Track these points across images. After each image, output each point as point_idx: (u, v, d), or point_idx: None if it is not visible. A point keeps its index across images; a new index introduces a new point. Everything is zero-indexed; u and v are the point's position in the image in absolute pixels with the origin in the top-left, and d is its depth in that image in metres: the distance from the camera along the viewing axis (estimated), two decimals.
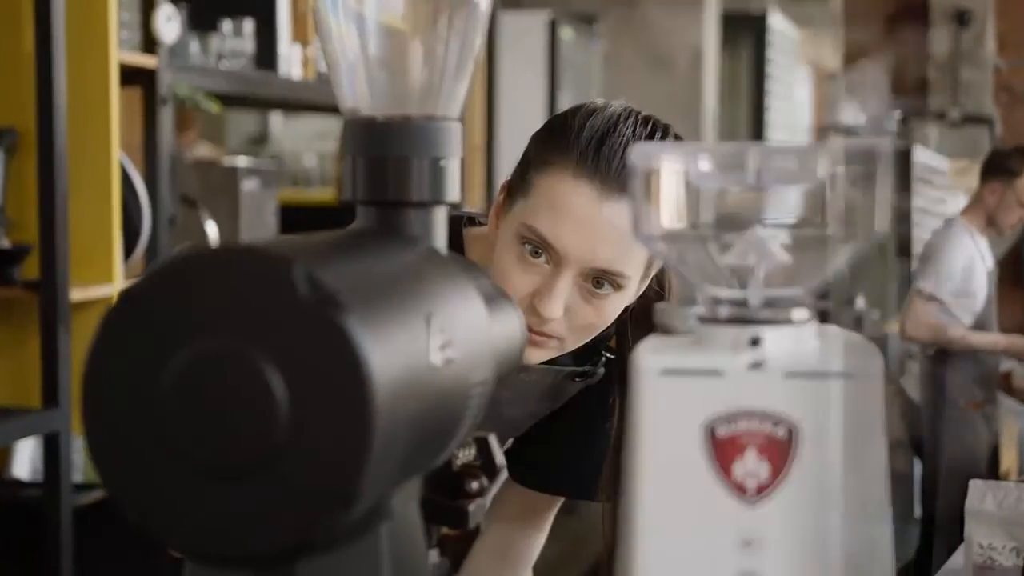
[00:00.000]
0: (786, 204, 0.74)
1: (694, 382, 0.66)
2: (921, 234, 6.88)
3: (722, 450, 0.66)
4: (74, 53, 2.39)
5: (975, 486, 1.97)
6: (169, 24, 2.61)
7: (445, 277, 0.74)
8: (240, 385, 0.59)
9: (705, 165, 0.69)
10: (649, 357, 0.67)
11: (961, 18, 9.36)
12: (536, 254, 1.23)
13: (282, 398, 0.59)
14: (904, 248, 6.91)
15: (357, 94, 0.79)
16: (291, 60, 3.20)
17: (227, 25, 2.97)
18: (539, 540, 1.54)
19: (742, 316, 0.68)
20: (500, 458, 0.87)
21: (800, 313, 0.69)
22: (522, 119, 5.65)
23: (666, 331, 0.75)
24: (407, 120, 0.78)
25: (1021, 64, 9.77)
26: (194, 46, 2.86)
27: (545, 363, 1.39)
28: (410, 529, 0.72)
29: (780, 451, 0.65)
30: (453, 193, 0.79)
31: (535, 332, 1.25)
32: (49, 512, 2.31)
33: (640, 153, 0.69)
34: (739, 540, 0.66)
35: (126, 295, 0.62)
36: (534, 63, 5.62)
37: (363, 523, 0.65)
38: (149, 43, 2.62)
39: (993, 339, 4.22)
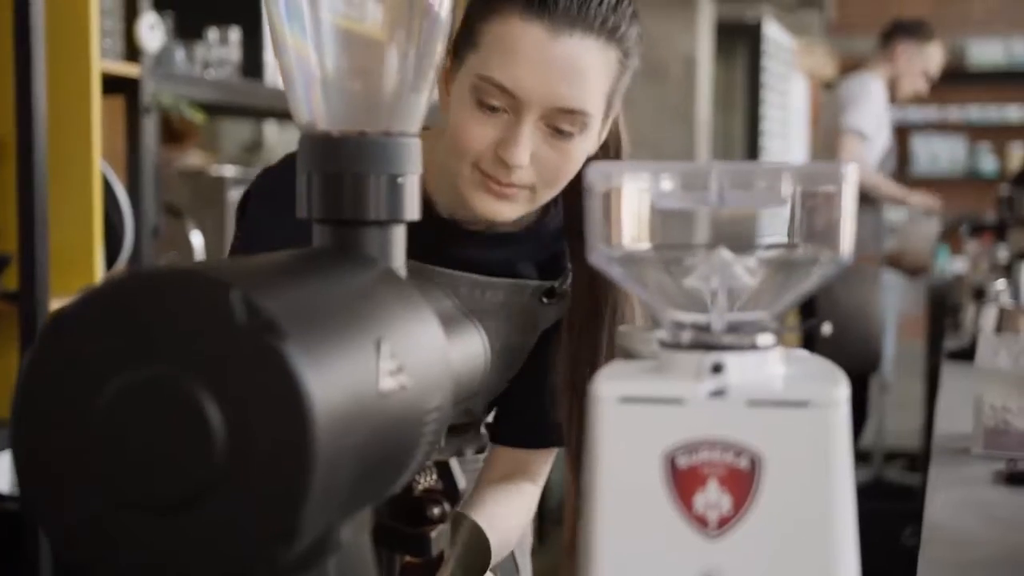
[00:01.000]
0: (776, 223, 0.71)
1: (654, 410, 0.64)
2: (768, 111, 7.10)
3: (683, 481, 0.63)
4: (55, 61, 2.36)
5: (986, 340, 1.82)
6: (152, 32, 2.58)
7: (400, 299, 0.71)
8: (175, 414, 0.57)
9: (667, 185, 0.66)
10: (607, 384, 0.65)
11: None
12: (493, 109, 1.21)
13: (218, 428, 0.56)
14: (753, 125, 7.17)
15: (313, 108, 0.77)
16: (277, 69, 3.17)
17: (213, 33, 2.95)
18: (535, 492, 1.46)
19: (705, 341, 0.66)
20: (462, 482, 0.84)
21: (765, 338, 0.66)
22: None
23: (629, 355, 0.73)
24: (363, 136, 0.75)
25: None
26: (179, 54, 2.83)
27: (510, 278, 1.36)
28: (361, 562, 0.69)
29: (742, 482, 0.63)
30: (412, 211, 0.76)
31: (504, 184, 1.22)
32: (28, 525, 2.28)
33: (598, 172, 0.66)
34: (700, 575, 0.64)
35: (58, 318, 0.59)
36: None
37: (309, 557, 0.62)
38: (133, 52, 2.59)
39: (903, 192, 4.40)
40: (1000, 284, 2.95)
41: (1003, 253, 4.29)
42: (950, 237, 9.68)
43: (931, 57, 4.42)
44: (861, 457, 5.65)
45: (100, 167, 2.42)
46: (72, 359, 0.59)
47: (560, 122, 1.21)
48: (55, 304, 2.30)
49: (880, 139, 4.37)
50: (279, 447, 0.56)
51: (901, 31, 4.43)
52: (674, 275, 0.67)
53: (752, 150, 7.25)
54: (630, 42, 1.24)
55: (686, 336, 0.66)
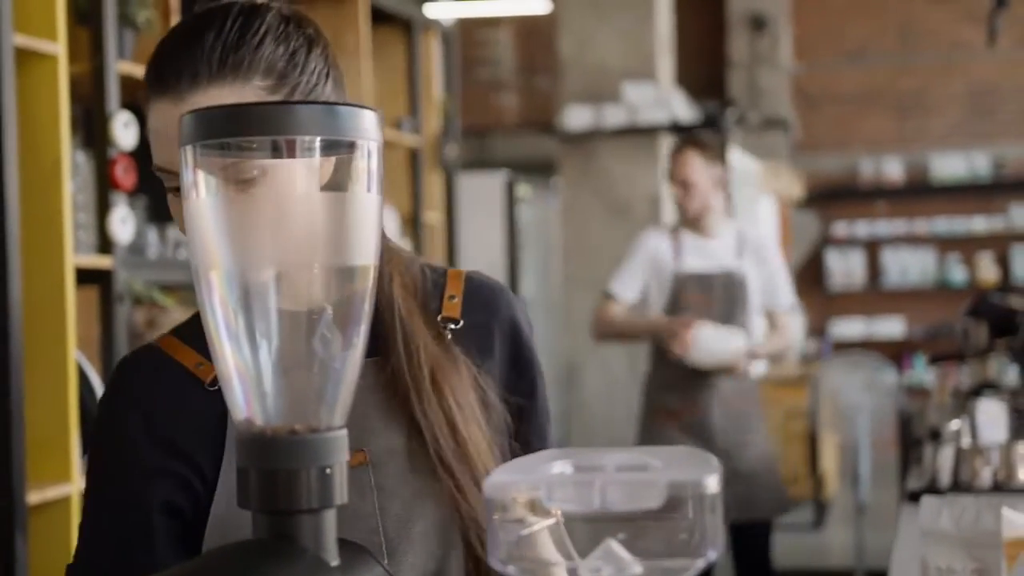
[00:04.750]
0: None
1: None
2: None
3: None
4: (30, 257, 2.46)
5: (928, 503, 1.87)
6: (124, 225, 2.69)
7: None
8: None
9: (558, 493, 0.75)
10: None
11: (757, 24, 9.72)
12: (179, 190, 1.15)
13: None
14: None
15: (249, 407, 0.85)
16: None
17: None
18: None
19: None
20: None
21: None
22: None
23: None
24: (294, 434, 0.84)
25: (817, 68, 10.16)
26: (152, 237, 2.94)
27: None
28: None
29: None
30: (341, 496, 0.85)
31: None
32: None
33: (494, 484, 0.75)
34: None
35: None
36: (493, 220, 5.79)
37: None
38: (105, 243, 2.70)
39: (646, 321, 4.12)
40: (955, 424, 3.03)
41: (966, 380, 4.38)
42: (925, 347, 9.81)
43: (671, 165, 4.18)
44: None
45: (75, 358, 2.50)
46: None
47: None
48: (32, 495, 2.37)
49: (658, 295, 4.16)
50: None
51: None
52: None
53: None
54: (268, 64, 1.21)
55: None
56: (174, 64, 1.19)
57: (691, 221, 4.14)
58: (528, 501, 0.76)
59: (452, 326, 1.31)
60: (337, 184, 0.86)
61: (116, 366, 1.31)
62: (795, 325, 4.23)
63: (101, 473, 1.26)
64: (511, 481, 0.76)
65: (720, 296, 4.13)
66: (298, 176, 0.99)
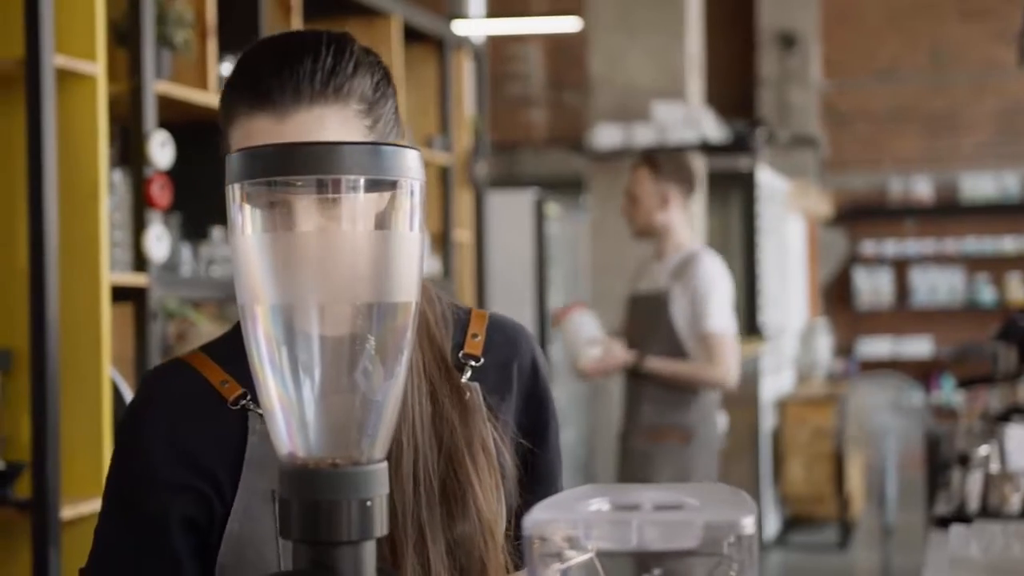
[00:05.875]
0: None
1: None
2: (762, 255, 7.13)
3: None
4: (67, 274, 2.49)
5: (957, 532, 1.89)
6: (159, 243, 2.72)
7: None
8: None
9: (596, 531, 0.76)
10: None
11: (787, 42, 9.70)
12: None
13: None
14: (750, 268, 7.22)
15: (292, 440, 0.87)
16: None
17: (217, 232, 3.09)
18: None
19: None
20: None
21: None
22: (512, 295, 5.78)
23: None
24: (336, 467, 0.86)
25: (847, 87, 10.12)
26: (186, 253, 2.97)
27: None
28: None
29: None
30: (381, 528, 0.87)
31: None
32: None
33: (533, 521, 0.76)
34: None
35: None
36: (522, 237, 5.81)
37: None
38: (140, 261, 2.73)
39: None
40: (984, 449, 3.02)
41: (995, 404, 4.35)
42: (953, 367, 9.77)
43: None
44: None
45: (109, 375, 2.53)
46: None
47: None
48: (66, 510, 2.39)
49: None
50: None
51: None
52: None
53: (750, 293, 7.38)
54: (362, 91, 1.24)
55: None
56: (275, 80, 1.21)
57: (656, 247, 4.17)
58: (566, 538, 0.77)
59: (473, 363, 1.32)
60: (380, 222, 0.88)
61: (144, 376, 1.31)
62: (734, 353, 4.10)
63: (122, 482, 1.26)
64: (549, 519, 0.77)
65: (643, 316, 4.14)
66: (342, 214, 1.01)
